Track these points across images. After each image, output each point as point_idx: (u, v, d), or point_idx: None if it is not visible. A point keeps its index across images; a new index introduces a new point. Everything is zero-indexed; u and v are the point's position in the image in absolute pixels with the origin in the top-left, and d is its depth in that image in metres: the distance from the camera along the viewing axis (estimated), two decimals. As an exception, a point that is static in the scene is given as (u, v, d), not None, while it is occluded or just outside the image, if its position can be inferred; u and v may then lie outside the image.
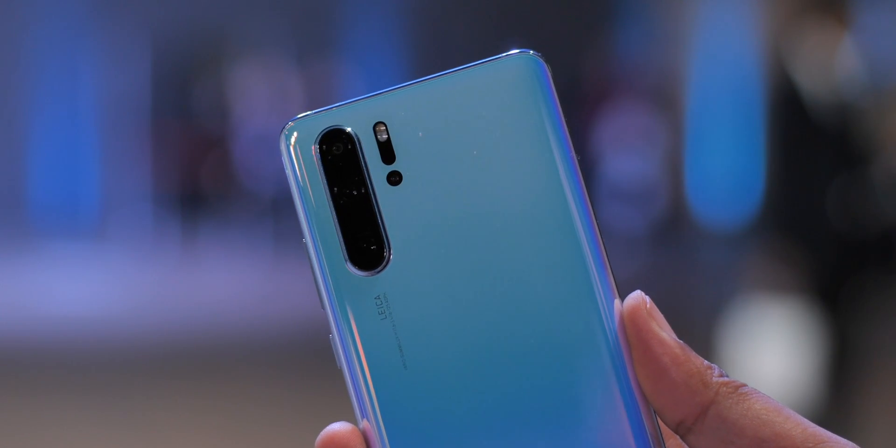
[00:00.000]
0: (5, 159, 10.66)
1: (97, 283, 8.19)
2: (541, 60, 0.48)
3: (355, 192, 0.47)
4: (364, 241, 0.47)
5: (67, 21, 10.59)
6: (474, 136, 0.47)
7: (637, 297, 0.48)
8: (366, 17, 11.10)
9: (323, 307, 0.47)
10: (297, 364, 5.74)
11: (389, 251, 0.47)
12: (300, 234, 0.48)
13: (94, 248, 9.67)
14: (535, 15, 10.85)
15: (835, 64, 3.77)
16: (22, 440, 4.51)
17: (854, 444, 0.45)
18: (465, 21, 10.93)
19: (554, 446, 0.46)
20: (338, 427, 0.47)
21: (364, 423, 0.46)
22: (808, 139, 3.73)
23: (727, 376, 0.47)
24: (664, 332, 0.47)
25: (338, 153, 0.48)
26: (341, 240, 0.47)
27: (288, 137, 0.48)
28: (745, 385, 0.47)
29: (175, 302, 7.54)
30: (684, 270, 8.30)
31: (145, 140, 10.69)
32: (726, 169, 8.83)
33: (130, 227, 10.15)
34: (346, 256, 0.47)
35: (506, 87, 0.47)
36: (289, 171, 0.48)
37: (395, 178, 0.47)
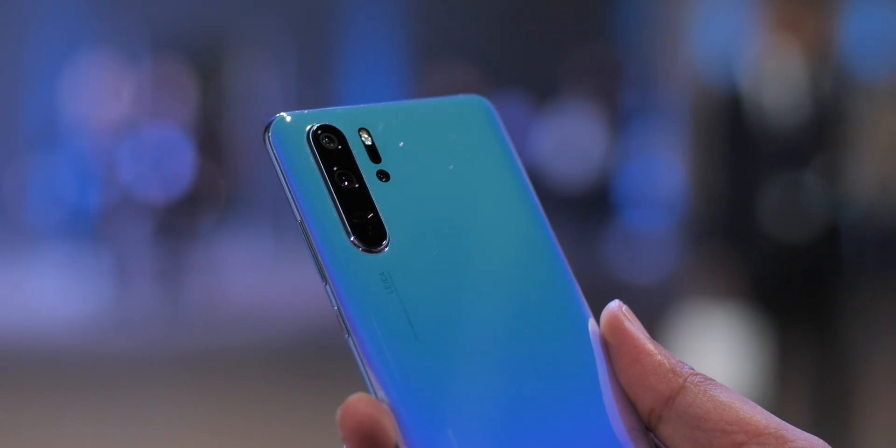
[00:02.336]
0: (6, 159, 10.67)
1: (97, 284, 8.21)
2: (489, 102, 0.56)
3: (353, 178, 0.52)
4: (365, 222, 0.51)
5: (67, 21, 10.61)
6: (447, 150, 0.54)
7: (615, 303, 0.52)
8: (363, 20, 11.12)
9: (327, 282, 0.50)
10: (299, 364, 5.75)
11: (387, 233, 0.51)
12: (294, 217, 0.50)
13: (94, 249, 9.68)
14: (532, 17, 10.87)
15: (781, 68, 3.78)
16: (22, 440, 4.53)
17: (813, 436, 0.47)
18: (464, 23, 10.95)
19: (559, 410, 0.50)
20: (358, 400, 0.47)
21: (385, 395, 0.48)
22: (748, 143, 3.76)
23: (696, 370, 0.50)
24: (637, 329, 0.51)
25: (330, 145, 0.52)
26: (344, 219, 0.51)
27: (279, 127, 0.52)
28: (713, 379, 0.50)
29: (175, 302, 7.55)
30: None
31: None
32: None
33: (130, 227, 10.15)
34: (351, 234, 0.50)
35: (468, 116, 0.55)
36: (281, 158, 0.51)
37: (383, 176, 0.52)
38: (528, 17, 10.94)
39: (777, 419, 0.48)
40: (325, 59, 11.01)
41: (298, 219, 0.50)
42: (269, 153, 0.51)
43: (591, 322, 0.52)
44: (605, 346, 0.51)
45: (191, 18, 10.61)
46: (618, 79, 10.07)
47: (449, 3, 11.16)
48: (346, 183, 0.51)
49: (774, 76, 3.79)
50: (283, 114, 0.52)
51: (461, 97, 0.56)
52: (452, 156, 0.54)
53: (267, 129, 0.51)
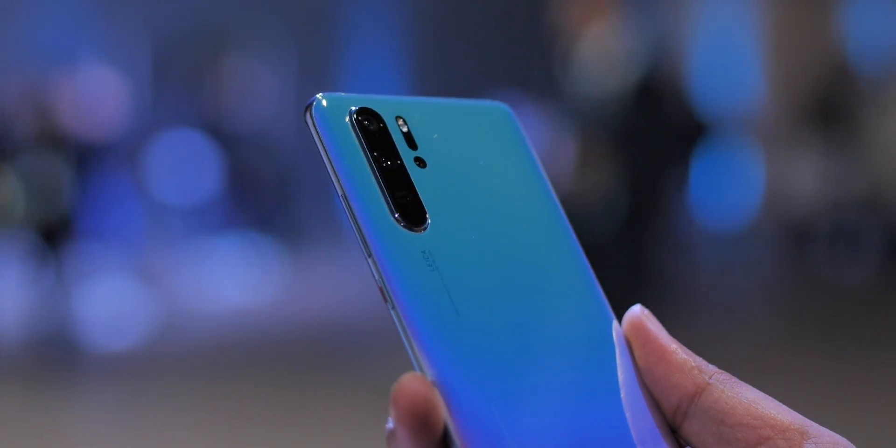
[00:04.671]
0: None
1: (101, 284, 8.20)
2: (511, 109, 0.60)
3: (395, 160, 0.53)
4: (407, 201, 0.52)
5: (67, 21, 10.61)
6: (476, 148, 0.56)
7: (637, 307, 0.54)
8: (364, 19, 11.11)
9: (370, 255, 0.51)
10: (305, 363, 5.75)
11: (427, 215, 0.52)
12: (337, 192, 0.52)
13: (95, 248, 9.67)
14: (532, 17, 10.86)
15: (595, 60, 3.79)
16: (25, 440, 4.53)
17: (837, 434, 0.48)
18: (464, 24, 10.94)
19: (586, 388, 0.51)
20: (411, 379, 0.48)
21: (431, 368, 0.49)
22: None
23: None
24: (660, 330, 0.52)
25: (371, 127, 0.53)
26: (387, 196, 0.52)
27: (322, 106, 0.53)
28: (736, 378, 0.51)
29: (176, 301, 7.55)
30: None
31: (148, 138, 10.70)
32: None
33: (131, 227, 10.14)
34: (395, 211, 0.52)
35: (495, 121, 0.58)
36: (324, 135, 0.53)
37: (420, 162, 0.54)
38: (519, 20, 10.93)
39: (802, 416, 0.49)
40: (324, 59, 11.01)
41: (340, 193, 0.52)
42: (311, 131, 0.53)
43: (615, 324, 0.53)
44: (629, 347, 0.52)
45: (189, 17, 10.61)
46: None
47: (448, 3, 11.15)
48: (388, 163, 0.53)
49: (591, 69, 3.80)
50: (322, 94, 0.53)
51: (487, 102, 0.58)
52: (482, 153, 0.56)
53: (308, 108, 0.53)
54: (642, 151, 3.67)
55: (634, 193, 3.67)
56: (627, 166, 3.66)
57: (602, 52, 3.74)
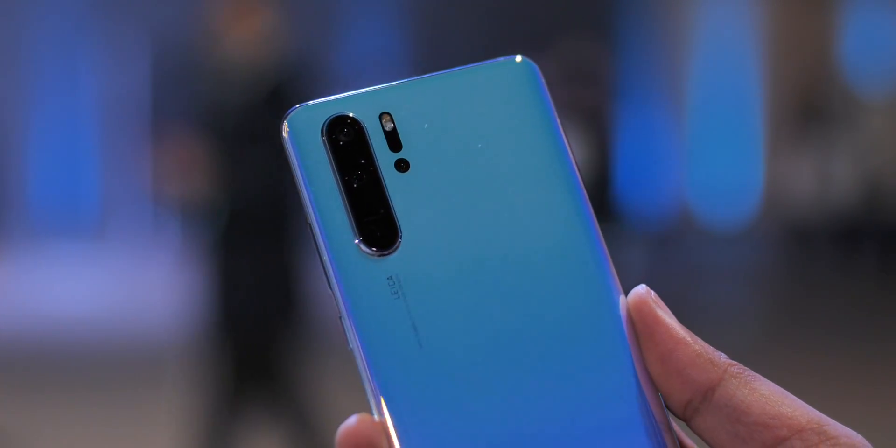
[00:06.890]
0: (6, 159, 10.66)
1: (97, 284, 8.20)
2: (534, 64, 0.50)
3: (364, 176, 0.48)
4: (375, 223, 0.48)
5: (67, 21, 10.60)
6: (478, 129, 0.49)
7: (641, 287, 0.49)
8: (365, 18, 11.11)
9: (331, 288, 0.47)
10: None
11: (400, 234, 0.48)
12: (305, 218, 0.48)
13: (93, 248, 9.68)
14: (534, 14, 10.86)
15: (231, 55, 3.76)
16: (19, 439, 4.52)
17: (853, 431, 0.47)
18: (465, 20, 10.94)
19: (567, 428, 0.47)
20: (358, 422, 0.45)
21: (381, 412, 0.46)
22: None
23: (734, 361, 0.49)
24: (669, 317, 0.48)
25: (345, 139, 0.49)
26: (352, 221, 0.48)
27: (293, 123, 0.49)
28: (750, 370, 0.48)
29: (173, 301, 7.54)
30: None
31: (145, 140, 10.71)
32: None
33: (130, 227, 10.15)
34: (359, 236, 0.47)
35: (506, 86, 0.50)
36: (294, 155, 0.48)
37: (402, 166, 0.49)
38: (518, 14, 10.93)
39: (819, 414, 0.47)
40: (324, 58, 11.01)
41: (309, 221, 0.48)
42: (285, 149, 0.49)
43: (622, 306, 0.49)
44: (633, 332, 0.48)
45: (190, 18, 10.61)
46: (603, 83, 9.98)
47: (446, 1, 11.15)
48: (360, 180, 0.48)
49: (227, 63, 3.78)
50: (299, 106, 0.49)
51: (499, 61, 0.50)
52: (483, 131, 0.49)
53: (283, 123, 0.49)
54: (253, 159, 3.65)
55: (238, 201, 3.69)
56: (241, 173, 3.67)
57: (244, 55, 3.75)
